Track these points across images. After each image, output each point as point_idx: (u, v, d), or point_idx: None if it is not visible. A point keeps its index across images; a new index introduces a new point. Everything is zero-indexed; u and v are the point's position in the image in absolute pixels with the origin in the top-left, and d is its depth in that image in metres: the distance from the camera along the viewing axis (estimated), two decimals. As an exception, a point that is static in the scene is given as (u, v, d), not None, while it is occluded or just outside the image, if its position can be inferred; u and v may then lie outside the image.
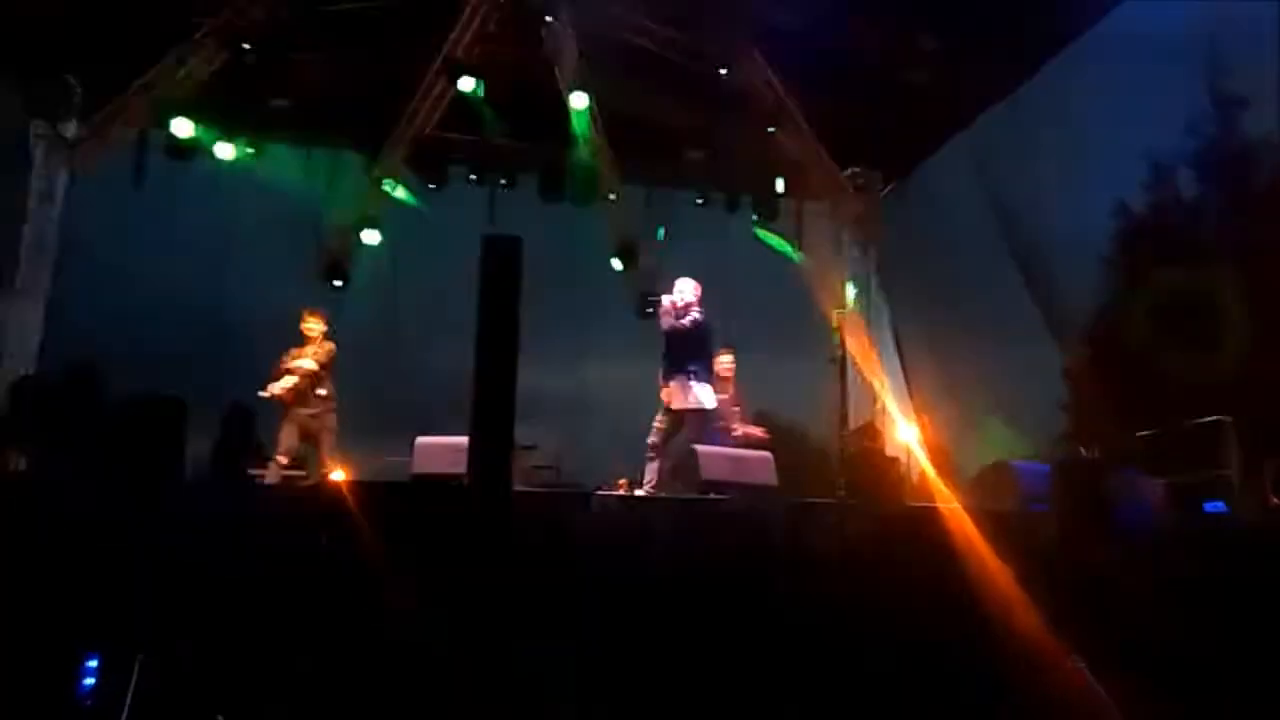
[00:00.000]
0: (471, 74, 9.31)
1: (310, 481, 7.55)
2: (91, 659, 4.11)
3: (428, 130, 10.02)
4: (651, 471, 6.79)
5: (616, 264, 10.14)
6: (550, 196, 10.67)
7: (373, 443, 8.16)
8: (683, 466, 6.92)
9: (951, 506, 5.72)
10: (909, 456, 9.15)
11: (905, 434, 9.75)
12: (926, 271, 10.57)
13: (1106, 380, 8.14)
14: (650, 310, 7.00)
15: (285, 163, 10.11)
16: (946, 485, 6.82)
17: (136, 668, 4.01)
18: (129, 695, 3.97)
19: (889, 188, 11.48)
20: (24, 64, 9.04)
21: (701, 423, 6.81)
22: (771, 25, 9.52)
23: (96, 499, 4.56)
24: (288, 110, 9.74)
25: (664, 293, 7.10)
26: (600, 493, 6.51)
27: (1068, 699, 4.58)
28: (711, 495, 6.33)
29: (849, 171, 11.11)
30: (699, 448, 6.98)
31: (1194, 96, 7.47)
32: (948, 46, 9.17)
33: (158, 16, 8.91)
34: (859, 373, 10.92)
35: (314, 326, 7.95)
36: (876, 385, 10.54)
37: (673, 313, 6.86)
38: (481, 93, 9.45)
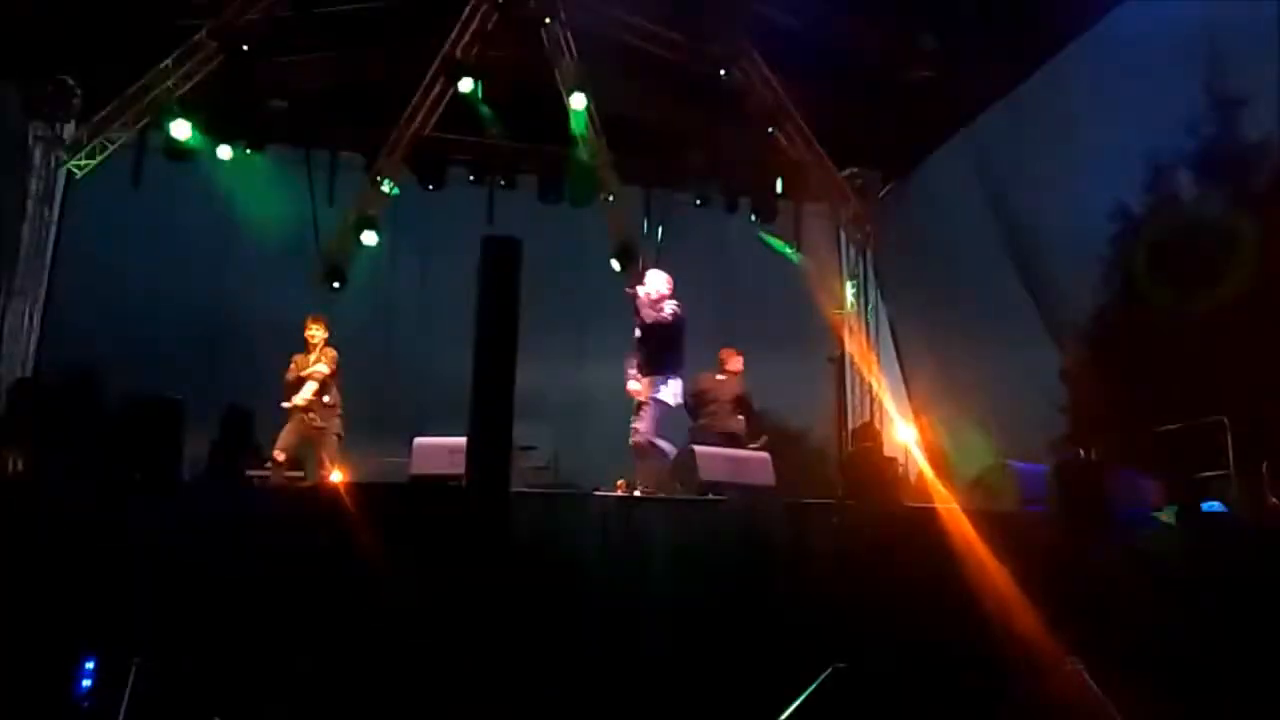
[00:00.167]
0: (470, 75, 9.32)
1: (308, 483, 7.54)
2: (89, 660, 4.11)
3: (426, 131, 10.02)
4: (645, 472, 6.75)
5: (615, 264, 10.14)
6: (549, 197, 10.68)
7: (371, 443, 8.15)
8: (681, 467, 6.91)
9: (950, 507, 5.71)
10: (907, 457, 9.16)
11: (904, 434, 9.76)
12: (925, 272, 10.56)
13: (1105, 381, 8.14)
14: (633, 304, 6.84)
15: (283, 164, 10.11)
16: (945, 486, 6.82)
17: (133, 669, 4.01)
18: (126, 696, 3.97)
19: (888, 188, 11.48)
20: (23, 66, 9.04)
21: (661, 415, 6.71)
22: (770, 26, 9.53)
23: (94, 500, 4.56)
24: (286, 111, 9.76)
25: (636, 285, 6.95)
26: (599, 493, 6.48)
27: (1066, 700, 4.57)
28: (710, 496, 6.31)
29: (848, 172, 11.12)
30: (697, 448, 6.96)
31: (1193, 97, 7.45)
32: (947, 47, 9.18)
33: (156, 18, 8.91)
34: (858, 373, 10.94)
35: (316, 333, 7.95)
36: (875, 386, 10.55)
37: (649, 305, 6.77)
38: (480, 93, 9.46)
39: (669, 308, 6.80)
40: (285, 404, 7.70)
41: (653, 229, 10.91)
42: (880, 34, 9.32)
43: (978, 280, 9.62)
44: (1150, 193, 8.01)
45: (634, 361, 6.99)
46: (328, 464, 7.72)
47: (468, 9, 9.34)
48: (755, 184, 10.87)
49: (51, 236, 9.39)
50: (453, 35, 9.37)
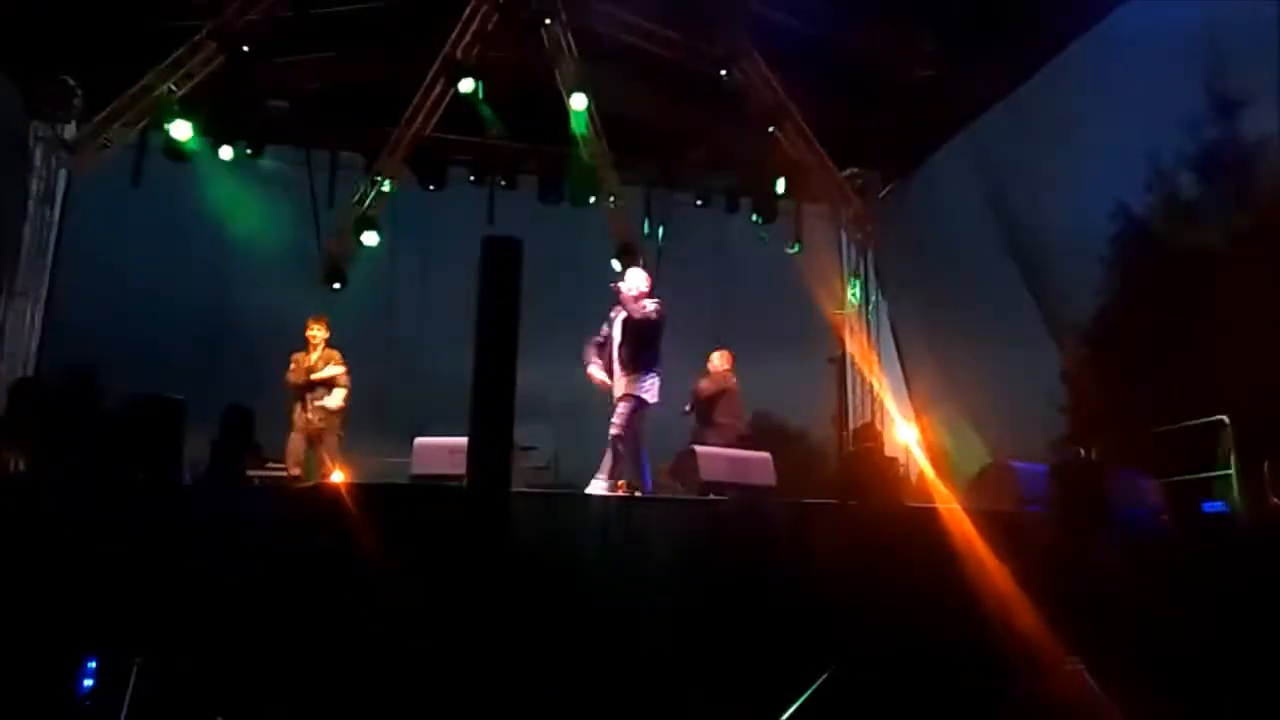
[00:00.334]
0: (471, 75, 9.32)
1: (310, 483, 7.55)
2: (90, 660, 4.11)
3: (427, 131, 10.02)
4: (630, 470, 6.71)
5: (616, 265, 10.14)
6: (550, 198, 10.68)
7: (372, 444, 8.16)
8: (682, 467, 6.91)
9: (950, 507, 5.72)
10: (908, 457, 9.16)
11: (904, 434, 9.76)
12: (926, 272, 10.56)
13: (1105, 381, 8.14)
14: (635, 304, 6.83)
15: (284, 164, 10.11)
16: (945, 486, 6.82)
17: (135, 669, 4.01)
18: (127, 696, 3.97)
19: (888, 189, 11.49)
20: (24, 65, 9.04)
21: (636, 412, 6.70)
22: (771, 26, 9.53)
23: (95, 500, 4.56)
24: (286, 112, 9.76)
25: (619, 282, 6.92)
26: (599, 494, 6.49)
27: (1066, 699, 4.58)
28: (711, 496, 6.32)
29: (848, 172, 11.12)
30: (698, 449, 6.97)
31: (1194, 97, 7.45)
32: (947, 46, 9.18)
33: (156, 19, 8.91)
34: (858, 373, 10.94)
35: (317, 333, 7.98)
36: (876, 386, 10.55)
37: (631, 302, 6.76)
38: (481, 94, 9.45)
39: (650, 305, 6.80)
40: (333, 405, 7.81)
41: (653, 229, 10.91)
42: (881, 34, 9.31)
43: (978, 280, 9.62)
44: (1151, 193, 8.01)
45: (593, 351, 6.96)
46: (329, 464, 7.74)
47: (468, 9, 9.34)
48: (756, 184, 10.87)
49: (53, 236, 9.40)
50: (453, 36, 9.36)
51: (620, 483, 7.35)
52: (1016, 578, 4.97)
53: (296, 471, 7.64)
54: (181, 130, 9.24)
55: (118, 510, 4.53)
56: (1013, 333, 9.03)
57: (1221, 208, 7.57)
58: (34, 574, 4.22)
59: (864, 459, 7.49)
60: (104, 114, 9.20)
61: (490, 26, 9.41)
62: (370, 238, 10.07)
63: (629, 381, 6.70)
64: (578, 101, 9.60)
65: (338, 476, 7.38)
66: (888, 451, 8.94)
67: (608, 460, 6.66)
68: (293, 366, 7.89)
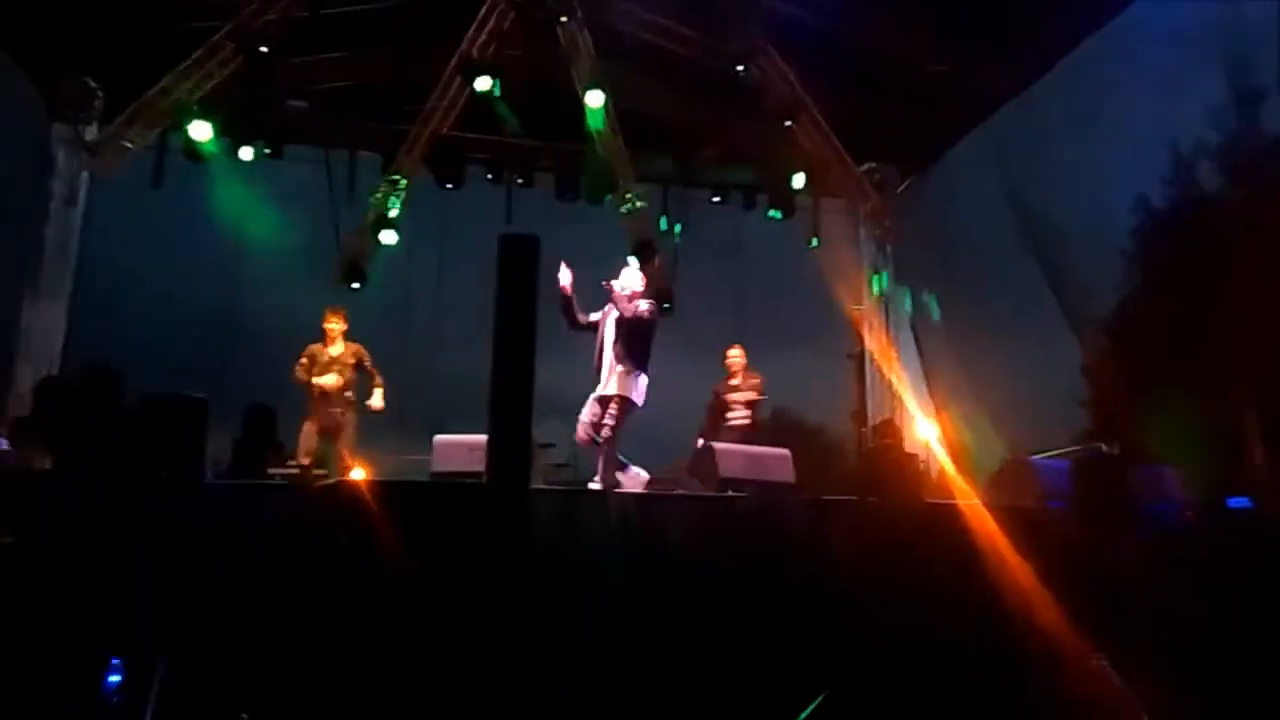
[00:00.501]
0: (487, 73, 9.33)
1: (330, 480, 7.60)
2: (116, 659, 4.15)
3: (444, 130, 10.05)
4: (613, 471, 6.67)
5: (633, 261, 10.12)
6: (567, 195, 10.68)
7: (392, 441, 8.19)
8: (700, 464, 6.90)
9: (971, 503, 5.69)
10: (928, 453, 9.12)
11: (924, 430, 9.72)
12: (945, 267, 10.51)
13: (1127, 374, 8.07)
14: (645, 302, 6.81)
15: (302, 164, 10.16)
16: (965, 482, 6.79)
17: (160, 668, 4.04)
18: (153, 695, 4.01)
19: (906, 183, 11.43)
20: (46, 68, 9.13)
21: (627, 412, 6.69)
22: (786, 21, 9.50)
23: (119, 499, 4.60)
24: (305, 112, 9.81)
25: (613, 279, 6.89)
26: (618, 490, 6.49)
27: (1090, 696, 4.55)
28: (729, 493, 6.31)
29: (866, 167, 11.06)
30: (716, 445, 6.96)
31: (1213, 89, 7.37)
32: (964, 41, 9.12)
33: (175, 21, 8.98)
34: (877, 369, 10.90)
35: (335, 326, 8.01)
36: (895, 381, 10.51)
37: (625, 301, 6.73)
38: (498, 92, 9.47)
39: (644, 305, 6.78)
40: (377, 405, 7.92)
41: (670, 225, 10.90)
42: (898, 29, 9.26)
43: (997, 274, 9.56)
44: (1171, 185, 7.93)
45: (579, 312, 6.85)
46: (349, 460, 7.78)
47: (484, 8, 9.36)
48: (773, 180, 10.83)
49: (75, 238, 9.50)
50: (469, 34, 9.38)
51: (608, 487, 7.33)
52: (1038, 574, 4.94)
53: (305, 461, 7.67)
54: (201, 131, 9.30)
55: (142, 509, 4.57)
56: (1033, 327, 8.97)
57: (1242, 199, 7.49)
58: (59, 572, 4.26)
59: (883, 455, 7.47)
60: (125, 116, 9.27)
61: (506, 25, 9.43)
62: (388, 236, 10.12)
63: (620, 381, 6.67)
64: (594, 98, 9.60)
65: (358, 474, 7.42)
66: (907, 447, 8.91)
67: (601, 465, 6.66)
68: (304, 360, 7.91)
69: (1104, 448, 7.35)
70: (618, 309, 6.71)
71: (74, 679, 4.09)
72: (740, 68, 9.67)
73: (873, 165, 11.16)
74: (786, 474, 6.69)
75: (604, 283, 6.82)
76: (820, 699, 4.49)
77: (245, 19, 8.96)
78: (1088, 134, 8.42)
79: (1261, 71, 7.08)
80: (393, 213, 10.14)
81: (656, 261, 10.07)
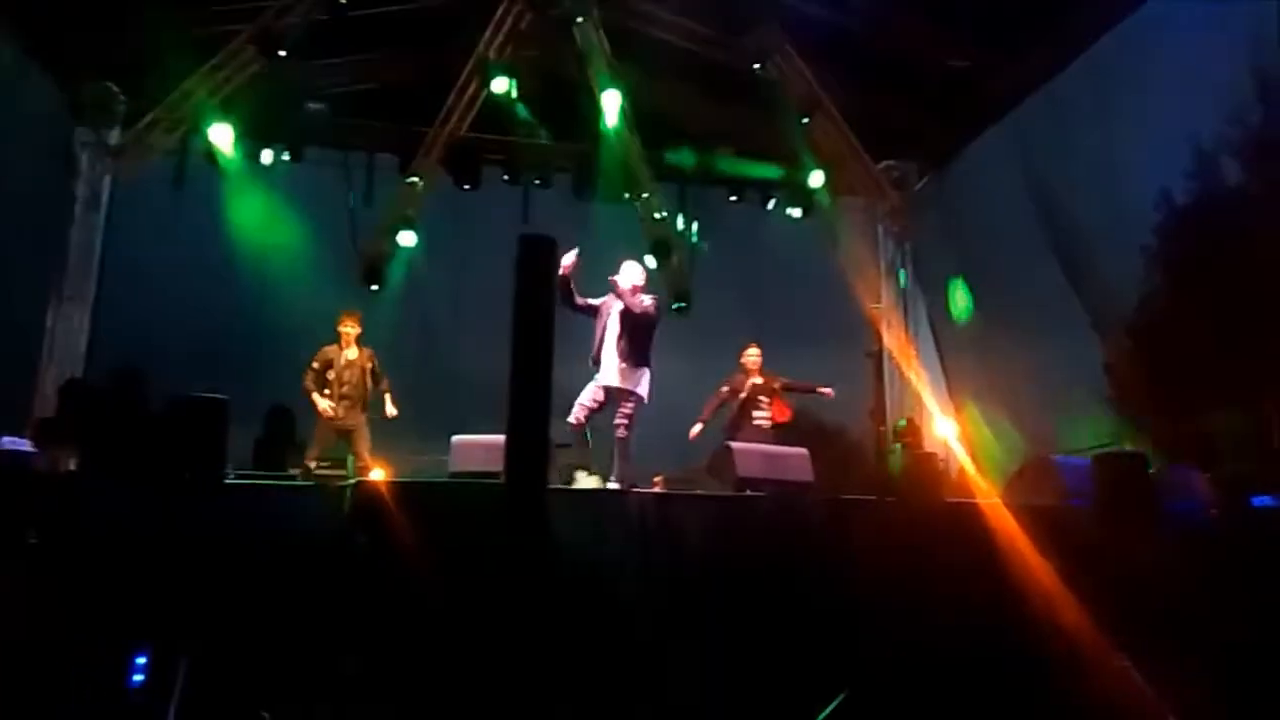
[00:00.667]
0: (504, 74, 9.36)
1: (349, 481, 7.64)
2: (140, 655, 4.20)
3: (462, 131, 10.08)
4: (627, 468, 6.66)
5: (650, 262, 10.13)
6: (584, 195, 10.69)
7: (411, 442, 8.22)
8: (718, 464, 6.89)
9: (991, 502, 5.66)
10: (947, 451, 9.08)
11: (944, 429, 9.66)
12: (965, 265, 10.44)
13: (1150, 372, 7.99)
14: (647, 301, 6.80)
15: (321, 166, 10.23)
16: (986, 481, 6.75)
17: (183, 666, 4.08)
18: (177, 691, 4.04)
19: (925, 180, 11.37)
20: (69, 72, 9.23)
21: (635, 407, 6.69)
22: (804, 18, 9.47)
23: (143, 498, 4.65)
24: (324, 114, 9.87)
25: (614, 276, 6.86)
26: (636, 490, 6.49)
27: (1113, 698, 4.51)
28: (748, 492, 6.30)
29: (884, 164, 11.02)
30: (734, 444, 6.95)
31: (1237, 83, 7.29)
32: (984, 36, 9.06)
33: (196, 24, 9.06)
34: (897, 368, 10.85)
35: (350, 329, 8.05)
36: (914, 380, 10.45)
37: (628, 296, 6.73)
38: (514, 93, 9.49)
39: (648, 299, 6.78)
40: (389, 413, 7.97)
41: (687, 225, 10.88)
42: (916, 25, 9.22)
43: (1018, 272, 9.49)
44: (1193, 179, 7.85)
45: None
46: (368, 460, 7.83)
47: (501, 9, 9.38)
48: (791, 178, 10.80)
49: (99, 240, 9.60)
50: (486, 35, 9.41)
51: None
52: (1060, 574, 4.90)
53: (313, 464, 7.71)
54: (221, 134, 9.38)
55: (165, 508, 4.62)
56: (1054, 324, 8.90)
57: (1265, 194, 7.40)
58: (84, 571, 4.31)
59: (903, 454, 7.43)
60: (147, 119, 9.36)
61: (523, 26, 9.45)
62: (407, 238, 10.16)
63: (626, 376, 6.69)
64: (610, 98, 9.60)
65: (377, 474, 7.46)
66: (927, 446, 8.87)
67: (618, 463, 6.67)
68: (316, 364, 7.95)
69: (1127, 446, 7.29)
70: (625, 304, 6.72)
71: (98, 678, 4.14)
72: (757, 65, 9.65)
73: (891, 163, 11.12)
74: (805, 473, 6.66)
75: (610, 279, 6.85)
76: (840, 698, 4.47)
77: (264, 22, 9.03)
78: (1109, 129, 8.34)
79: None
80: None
81: (674, 261, 10.08)
